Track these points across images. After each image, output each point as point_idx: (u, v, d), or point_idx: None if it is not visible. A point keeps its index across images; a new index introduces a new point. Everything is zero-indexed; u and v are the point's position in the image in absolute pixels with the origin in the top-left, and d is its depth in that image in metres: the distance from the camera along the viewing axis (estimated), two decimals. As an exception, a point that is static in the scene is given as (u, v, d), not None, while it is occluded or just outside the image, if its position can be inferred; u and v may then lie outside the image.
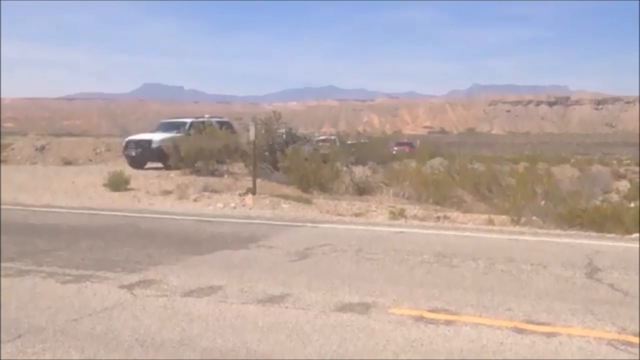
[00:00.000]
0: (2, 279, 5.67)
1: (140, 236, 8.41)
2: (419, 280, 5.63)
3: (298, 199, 12.77)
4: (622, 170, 36.41)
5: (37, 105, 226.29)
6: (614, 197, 19.82)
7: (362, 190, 16.05)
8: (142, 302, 4.89)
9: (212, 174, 15.96)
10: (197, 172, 15.98)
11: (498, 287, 5.37)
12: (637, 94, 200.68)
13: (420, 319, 4.41)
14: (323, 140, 31.34)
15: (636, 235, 8.65)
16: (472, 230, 9.16)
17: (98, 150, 27.11)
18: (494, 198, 15.69)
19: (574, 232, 9.10)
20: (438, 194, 15.58)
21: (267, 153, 17.39)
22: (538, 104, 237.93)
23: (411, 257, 6.76)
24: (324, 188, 15.28)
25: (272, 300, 4.91)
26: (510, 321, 4.35)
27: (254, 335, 4.05)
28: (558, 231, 9.18)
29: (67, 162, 24.31)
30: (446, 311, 4.60)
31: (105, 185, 14.16)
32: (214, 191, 13.37)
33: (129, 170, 16.51)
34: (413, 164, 26.78)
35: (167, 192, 13.41)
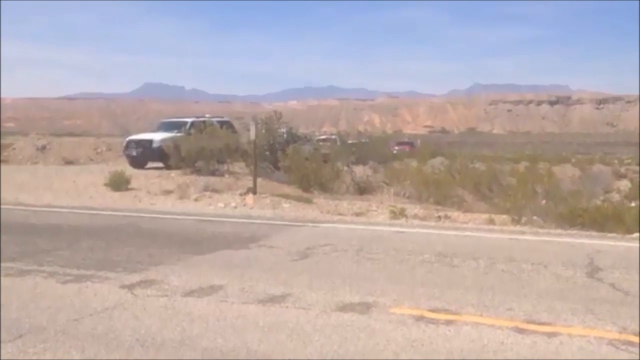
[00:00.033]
0: (3, 278, 5.67)
1: (141, 236, 8.41)
2: (420, 280, 5.63)
3: (299, 199, 12.78)
4: (623, 169, 36.41)
5: (38, 105, 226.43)
6: (615, 197, 19.81)
7: (362, 189, 16.06)
8: (143, 302, 4.90)
9: (213, 173, 15.96)
10: (198, 171, 15.99)
11: (499, 287, 5.37)
12: (638, 93, 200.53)
13: (420, 318, 4.41)
14: (324, 140, 31.33)
15: (637, 234, 8.64)
16: (472, 230, 9.15)
17: (99, 150, 27.13)
18: (494, 198, 15.68)
19: (574, 231, 9.10)
20: (439, 194, 15.58)
21: (267, 153, 17.41)
22: (539, 103, 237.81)
23: (412, 256, 6.76)
24: (324, 187, 15.28)
25: (272, 300, 4.91)
26: (510, 321, 4.34)
27: (255, 335, 4.05)
28: (559, 231, 9.18)
29: (68, 162, 24.33)
30: (447, 311, 4.60)
31: (106, 185, 14.17)
32: (215, 191, 13.37)
33: (129, 170, 16.52)
34: (414, 163, 26.82)
35: (167, 192, 13.42)
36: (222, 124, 19.70)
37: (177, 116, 23.78)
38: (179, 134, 18.07)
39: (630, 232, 8.88)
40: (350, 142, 32.78)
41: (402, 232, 8.82)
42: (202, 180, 14.49)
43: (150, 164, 19.02)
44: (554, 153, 57.16)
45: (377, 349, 3.80)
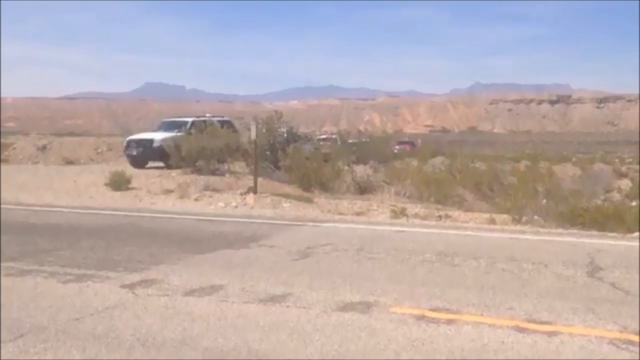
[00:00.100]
0: (4, 278, 5.68)
1: (141, 235, 8.41)
2: (420, 279, 5.63)
3: (299, 198, 12.78)
4: (623, 168, 36.41)
5: (39, 105, 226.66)
6: (616, 196, 19.82)
7: (363, 189, 16.05)
8: (144, 301, 4.90)
9: (214, 173, 15.96)
10: (199, 171, 15.98)
11: (499, 286, 5.36)
12: (638, 92, 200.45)
13: (421, 318, 4.41)
14: (324, 139, 31.34)
15: (637, 234, 8.64)
16: (473, 229, 9.15)
17: (99, 150, 27.15)
18: (495, 197, 15.69)
19: (575, 231, 9.10)
20: (439, 193, 15.60)
21: (268, 152, 17.40)
22: (540, 102, 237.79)
23: (412, 256, 6.76)
24: (325, 187, 15.28)
25: (273, 299, 4.91)
26: (511, 320, 4.34)
27: (256, 334, 4.05)
28: (559, 230, 9.18)
29: (69, 162, 24.35)
30: (447, 310, 4.60)
31: (106, 184, 14.18)
32: (215, 190, 13.38)
33: (130, 170, 16.54)
34: (414, 162, 26.84)
35: (168, 192, 13.43)
36: (222, 123, 19.70)
37: (177, 116, 23.78)
38: (179, 134, 18.06)
39: (630, 231, 8.88)
40: (350, 141, 32.83)
41: (403, 231, 8.82)
42: (203, 179, 14.49)
43: (150, 164, 19.03)
44: (554, 152, 57.16)
45: (377, 348, 3.80)
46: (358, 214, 11.07)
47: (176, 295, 5.07)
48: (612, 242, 7.94)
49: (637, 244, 7.68)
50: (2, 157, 25.38)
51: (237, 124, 21.42)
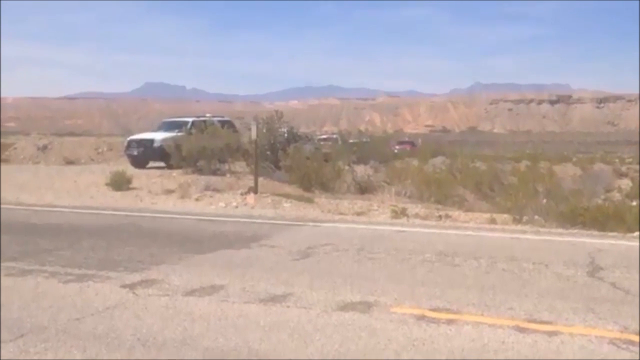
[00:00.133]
0: (5, 278, 5.68)
1: (142, 235, 8.42)
2: (421, 279, 5.63)
3: (300, 198, 12.78)
4: (624, 168, 36.40)
5: (39, 105, 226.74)
6: (616, 196, 19.78)
7: (363, 189, 16.05)
8: (144, 301, 4.90)
9: (214, 173, 15.96)
10: (199, 171, 15.99)
11: (500, 286, 5.36)
12: (638, 92, 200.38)
13: (421, 318, 4.41)
14: (325, 139, 31.36)
15: (638, 233, 8.63)
16: (473, 229, 9.15)
17: (100, 150, 27.16)
18: (495, 197, 15.69)
19: (575, 230, 9.09)
20: (440, 193, 15.59)
21: (268, 152, 17.39)
22: (540, 102, 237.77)
23: (413, 256, 6.76)
24: (325, 187, 15.28)
25: (274, 299, 4.91)
26: (511, 320, 4.34)
27: (256, 334, 4.05)
28: (560, 230, 9.17)
29: (69, 162, 24.37)
30: (448, 310, 4.60)
31: (107, 184, 14.19)
32: (216, 190, 13.38)
33: (131, 170, 16.54)
34: (415, 162, 26.84)
35: (169, 192, 13.43)
36: (223, 123, 19.70)
37: (178, 116, 23.79)
38: (180, 134, 18.07)
39: (631, 231, 8.87)
40: (351, 141, 32.85)
41: (403, 231, 8.82)
42: (203, 179, 14.49)
43: (151, 164, 19.05)
44: (554, 152, 57.12)
45: (378, 348, 3.81)
46: (358, 214, 11.07)
47: (177, 295, 5.07)
48: (612, 241, 7.94)
49: (638, 243, 7.67)
50: (3, 157, 25.41)
51: (237, 124, 21.41)
